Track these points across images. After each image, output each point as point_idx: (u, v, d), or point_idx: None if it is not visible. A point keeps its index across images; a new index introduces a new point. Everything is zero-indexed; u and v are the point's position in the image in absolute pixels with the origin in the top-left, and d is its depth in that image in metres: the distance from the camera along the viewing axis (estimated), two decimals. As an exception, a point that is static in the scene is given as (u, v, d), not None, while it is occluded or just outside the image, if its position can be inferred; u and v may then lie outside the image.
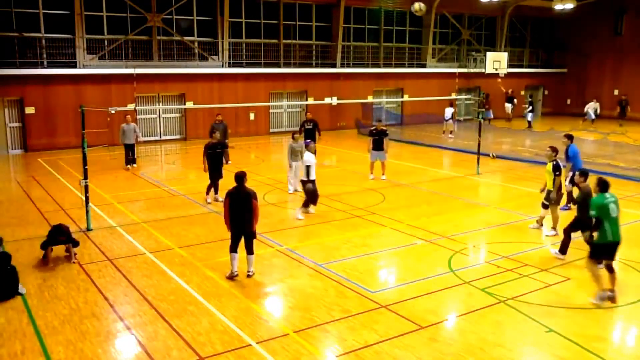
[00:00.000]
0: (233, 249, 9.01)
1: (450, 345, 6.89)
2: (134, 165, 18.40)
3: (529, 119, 30.45)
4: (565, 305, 7.99)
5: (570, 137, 13.33)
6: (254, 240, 9.08)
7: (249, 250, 9.03)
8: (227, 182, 11.83)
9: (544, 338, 7.08)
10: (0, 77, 20.96)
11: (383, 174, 16.60)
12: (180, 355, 6.63)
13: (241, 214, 8.85)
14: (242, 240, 9.00)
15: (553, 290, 8.59)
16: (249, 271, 9.07)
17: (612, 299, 7.96)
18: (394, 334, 7.10)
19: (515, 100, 32.93)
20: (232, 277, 8.98)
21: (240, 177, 8.99)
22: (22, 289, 8.42)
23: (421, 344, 6.86)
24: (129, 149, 18.25)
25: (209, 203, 13.68)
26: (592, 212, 8.00)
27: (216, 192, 13.80)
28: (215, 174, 13.66)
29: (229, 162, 17.24)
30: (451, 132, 27.15)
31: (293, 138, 14.53)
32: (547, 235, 11.21)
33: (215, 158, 13.65)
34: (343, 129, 29.05)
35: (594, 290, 8.09)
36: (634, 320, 7.79)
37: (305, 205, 12.65)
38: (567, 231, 9.73)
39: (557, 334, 7.14)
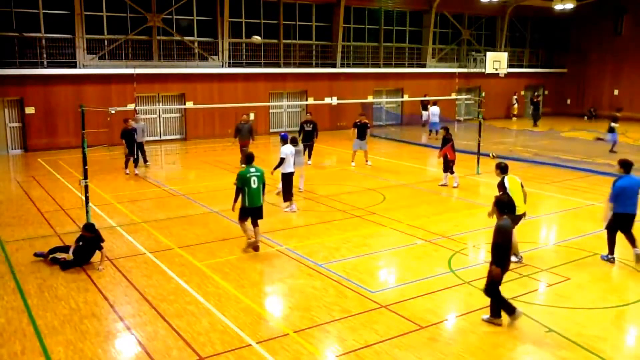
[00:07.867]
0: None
1: (450, 345, 6.89)
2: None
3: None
4: (565, 305, 7.99)
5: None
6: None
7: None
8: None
9: (544, 338, 7.08)
10: (0, 77, 20.97)
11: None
12: (180, 355, 6.63)
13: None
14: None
15: (553, 290, 8.59)
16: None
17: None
18: (394, 334, 7.10)
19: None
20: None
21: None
22: None
23: (421, 344, 6.86)
24: (141, 148, 17.93)
25: (127, 174, 16.80)
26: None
27: (133, 165, 16.88)
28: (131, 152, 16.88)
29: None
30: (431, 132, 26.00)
31: (294, 142, 14.20)
32: None
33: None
34: (343, 129, 29.01)
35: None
36: (634, 320, 7.80)
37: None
38: None
39: (557, 334, 7.14)
